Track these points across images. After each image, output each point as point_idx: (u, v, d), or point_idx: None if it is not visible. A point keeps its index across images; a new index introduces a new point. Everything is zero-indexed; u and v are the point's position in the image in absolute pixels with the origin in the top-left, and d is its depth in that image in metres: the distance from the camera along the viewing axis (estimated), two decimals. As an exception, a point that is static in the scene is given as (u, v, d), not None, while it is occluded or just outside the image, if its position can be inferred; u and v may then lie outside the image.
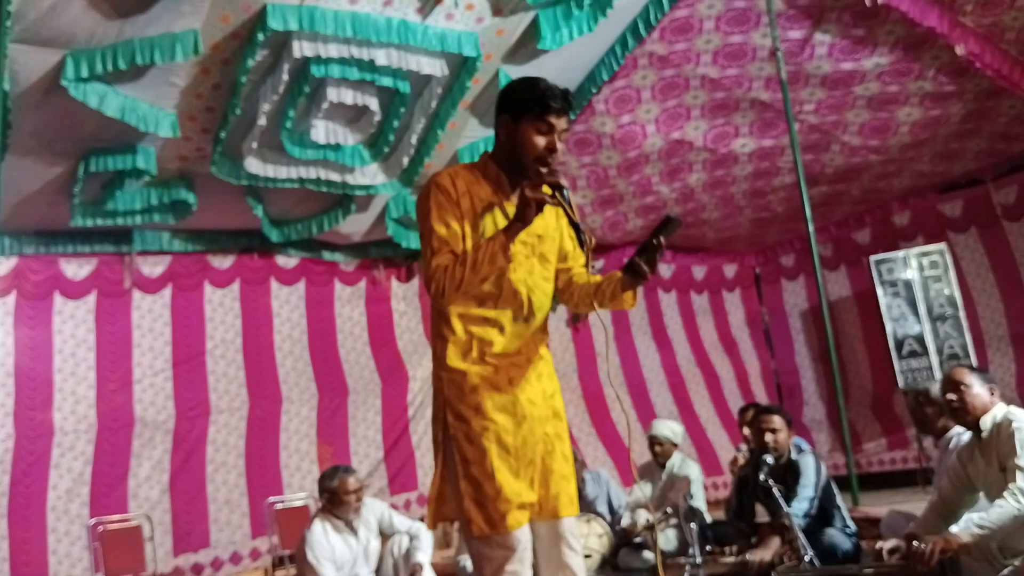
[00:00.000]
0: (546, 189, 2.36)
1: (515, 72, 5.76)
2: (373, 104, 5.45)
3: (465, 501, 2.37)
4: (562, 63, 5.79)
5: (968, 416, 3.45)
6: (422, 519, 7.24)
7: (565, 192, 2.37)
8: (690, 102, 6.81)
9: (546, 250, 2.54)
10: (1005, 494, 3.16)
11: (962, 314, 7.90)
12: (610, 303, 2.55)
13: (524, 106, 2.42)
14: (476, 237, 2.41)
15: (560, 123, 2.42)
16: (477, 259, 2.30)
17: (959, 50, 5.90)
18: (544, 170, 2.39)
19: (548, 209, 2.42)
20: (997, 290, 8.25)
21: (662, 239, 2.37)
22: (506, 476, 2.36)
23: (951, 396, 3.48)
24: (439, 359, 2.46)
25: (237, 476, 6.99)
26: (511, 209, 2.43)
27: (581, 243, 2.41)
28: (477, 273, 2.31)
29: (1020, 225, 8.03)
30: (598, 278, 2.60)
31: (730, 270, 10.07)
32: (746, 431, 5.97)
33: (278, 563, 6.69)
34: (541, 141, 2.41)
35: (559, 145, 2.43)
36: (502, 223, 2.43)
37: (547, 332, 2.59)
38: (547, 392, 2.52)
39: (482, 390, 2.40)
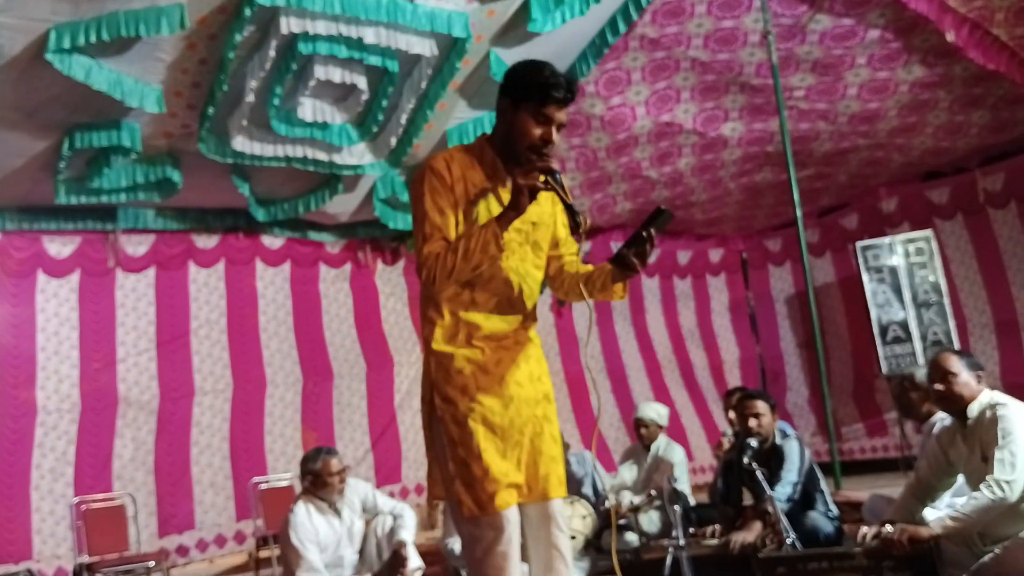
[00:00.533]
0: (540, 177, 2.33)
1: (505, 54, 5.72)
2: (361, 83, 5.40)
3: (455, 483, 2.37)
4: (553, 45, 5.76)
5: (955, 405, 3.43)
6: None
7: (558, 176, 2.35)
8: (680, 83, 6.79)
9: (540, 237, 2.54)
10: (982, 486, 3.16)
11: (946, 301, 7.96)
12: (600, 294, 2.55)
13: (525, 92, 2.39)
14: (469, 223, 2.39)
15: (559, 115, 2.39)
16: (470, 247, 2.29)
17: (949, 37, 5.89)
18: (536, 158, 2.37)
19: (543, 195, 2.41)
20: (981, 277, 8.30)
21: (653, 231, 2.36)
22: (493, 457, 2.36)
23: (938, 386, 3.46)
24: (427, 341, 2.46)
25: (222, 459, 6.99)
26: (505, 195, 2.42)
27: (576, 225, 2.38)
28: (469, 261, 2.30)
29: (1005, 212, 8.06)
30: (589, 268, 2.61)
31: (716, 255, 10.10)
32: (731, 415, 6.00)
33: (262, 544, 6.68)
34: (537, 131, 2.38)
35: (555, 136, 2.40)
36: (496, 209, 2.41)
37: (536, 317, 2.58)
38: (535, 374, 2.52)
39: (469, 372, 2.40)
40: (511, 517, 2.37)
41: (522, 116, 2.39)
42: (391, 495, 7.59)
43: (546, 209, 2.54)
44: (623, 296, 2.55)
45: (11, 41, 4.52)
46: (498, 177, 2.47)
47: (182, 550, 6.65)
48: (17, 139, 5.43)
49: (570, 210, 2.38)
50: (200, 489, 6.84)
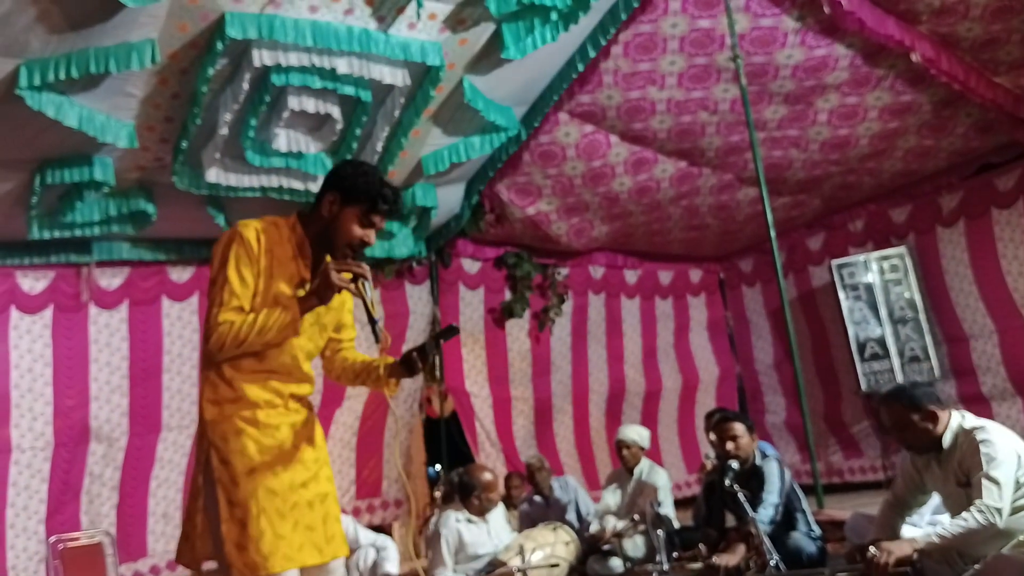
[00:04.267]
0: (347, 275, 2.41)
1: (479, 81, 5.76)
2: (335, 112, 5.40)
3: (227, 545, 2.37)
4: (525, 71, 5.80)
5: (925, 447, 3.44)
6: (382, 528, 7.26)
7: (367, 284, 2.43)
8: (656, 126, 6.86)
9: (328, 321, 2.63)
10: (973, 510, 3.17)
11: (922, 316, 8.02)
12: (372, 385, 2.68)
13: (356, 196, 2.49)
14: (267, 297, 2.43)
15: (381, 223, 2.53)
16: (267, 325, 2.35)
17: (915, 57, 5.99)
18: (352, 258, 2.47)
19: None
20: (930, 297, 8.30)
21: (440, 342, 2.48)
22: (272, 518, 2.38)
23: (899, 437, 3.48)
24: (205, 403, 2.50)
25: (175, 492, 6.99)
26: (306, 275, 2.50)
27: (376, 339, 2.45)
28: (263, 337, 2.37)
29: (951, 231, 8.09)
30: (365, 358, 2.71)
31: (695, 275, 10.14)
32: (712, 437, 6.01)
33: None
34: (359, 232, 2.49)
35: (373, 240, 2.53)
36: (293, 289, 2.48)
37: (312, 385, 2.63)
38: (312, 438, 2.57)
39: (248, 435, 2.43)
40: None
41: (348, 215, 2.49)
42: (371, 508, 7.62)
43: (338, 296, 2.58)
44: (393, 392, 2.67)
45: (-20, 78, 4.49)
46: (304, 257, 2.53)
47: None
48: (-12, 176, 5.38)
49: (372, 323, 2.44)
50: (154, 520, 6.86)
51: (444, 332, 2.58)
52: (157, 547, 6.83)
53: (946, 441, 3.38)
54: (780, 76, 6.40)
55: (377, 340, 2.45)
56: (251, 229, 2.48)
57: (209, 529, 2.45)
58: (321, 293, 2.39)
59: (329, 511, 2.53)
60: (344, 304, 2.70)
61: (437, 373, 2.42)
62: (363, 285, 2.42)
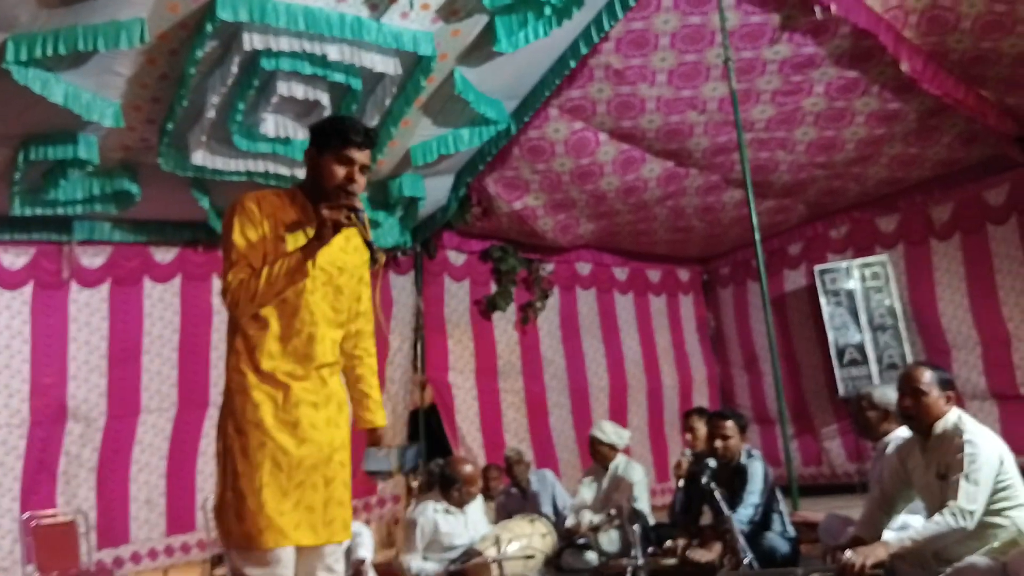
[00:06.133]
0: (339, 212, 2.48)
1: (470, 73, 5.75)
2: (324, 99, 5.38)
3: (228, 513, 2.43)
4: (516, 65, 5.80)
5: (921, 423, 3.44)
6: (367, 521, 7.26)
7: (361, 215, 2.51)
8: (645, 125, 6.88)
9: (343, 283, 2.66)
10: (945, 511, 3.19)
11: (902, 325, 8.10)
12: (355, 407, 2.84)
13: (327, 139, 2.57)
14: (277, 256, 2.49)
15: (360, 156, 2.57)
16: (273, 272, 2.42)
17: (904, 67, 6.02)
18: (343, 196, 2.52)
19: (351, 249, 2.66)
20: (912, 307, 8.34)
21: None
22: (273, 494, 2.42)
23: (907, 402, 3.45)
24: (228, 372, 2.54)
25: (158, 477, 6.94)
26: (312, 234, 2.54)
27: (374, 261, 2.55)
28: (272, 287, 2.42)
29: (947, 245, 8.14)
30: (365, 381, 2.83)
31: (683, 274, 10.21)
32: (688, 436, 6.05)
33: (217, 561, 6.60)
34: (341, 171, 2.55)
35: (359, 177, 2.57)
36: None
37: (338, 365, 2.68)
38: (333, 419, 2.59)
39: (266, 407, 2.47)
40: (281, 557, 2.43)
41: (326, 160, 2.56)
42: (368, 507, 7.63)
43: (353, 260, 2.69)
44: (360, 427, 2.84)
45: (-34, 51, 4.45)
46: (308, 219, 2.59)
47: (118, 561, 6.63)
48: (-29, 150, 5.33)
49: (369, 245, 2.53)
50: (136, 506, 6.79)
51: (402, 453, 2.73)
52: (140, 533, 6.77)
53: (936, 430, 3.41)
54: (768, 72, 6.42)
55: (374, 260, 2.54)
56: (251, 197, 2.58)
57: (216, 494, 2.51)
58: (319, 233, 2.46)
59: (333, 495, 2.55)
60: (362, 276, 2.75)
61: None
62: (356, 216, 2.49)
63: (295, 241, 2.54)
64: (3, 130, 5.26)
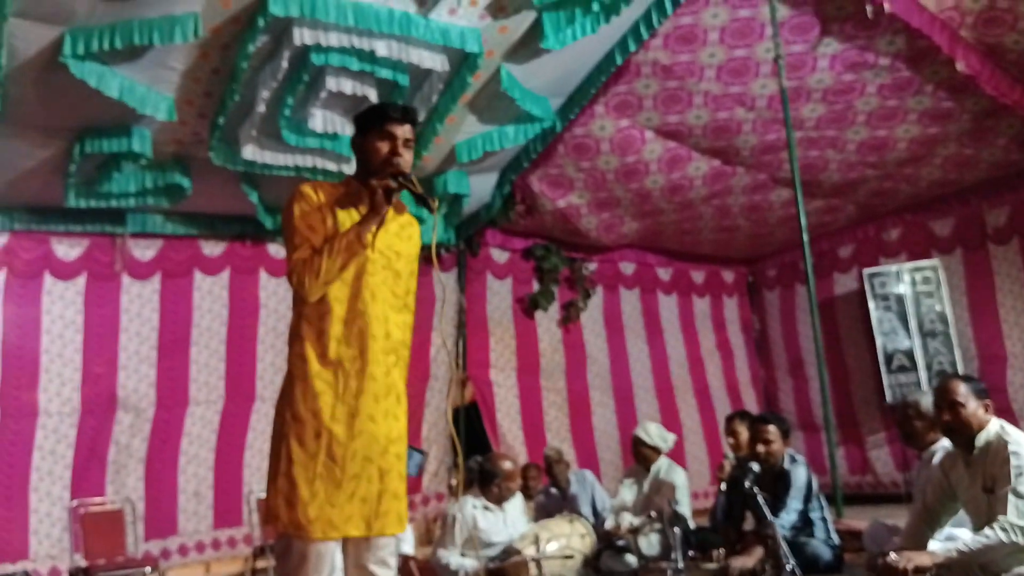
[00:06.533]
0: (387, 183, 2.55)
1: (516, 70, 5.75)
2: (372, 95, 5.42)
3: (278, 497, 2.44)
4: (563, 62, 5.78)
5: (961, 435, 3.39)
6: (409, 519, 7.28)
7: (409, 176, 2.59)
8: (692, 121, 6.81)
9: (401, 268, 2.69)
10: (995, 526, 3.12)
11: (952, 331, 7.92)
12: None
13: (367, 121, 2.67)
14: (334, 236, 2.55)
15: (401, 131, 2.63)
16: (334, 247, 2.48)
17: (959, 66, 5.89)
18: (389, 169, 2.58)
19: (404, 235, 2.69)
20: (967, 313, 8.20)
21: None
22: (325, 485, 2.43)
23: (945, 416, 3.40)
24: (290, 359, 2.57)
25: (206, 469, 7.02)
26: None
27: (430, 210, 2.58)
28: (335, 261, 2.47)
29: (1005, 249, 7.98)
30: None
31: (728, 276, 10.11)
32: (731, 440, 5.97)
33: (259, 553, 6.68)
34: (384, 146, 2.61)
35: (403, 151, 2.62)
36: None
37: (403, 360, 2.68)
38: (392, 412, 2.59)
39: (325, 396, 2.49)
40: (323, 550, 2.44)
41: (369, 139, 2.64)
42: (412, 505, 7.66)
43: (408, 248, 2.73)
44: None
45: (26, 44, 4.56)
46: (363, 204, 2.63)
47: (165, 553, 6.71)
48: (29, 141, 5.46)
49: (422, 198, 2.59)
50: (184, 497, 6.87)
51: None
52: (188, 526, 6.84)
53: (979, 442, 3.34)
54: (819, 68, 6.32)
55: (429, 209, 2.58)
56: (308, 185, 2.66)
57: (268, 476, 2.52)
58: (373, 203, 2.54)
59: (387, 487, 2.54)
60: (415, 260, 2.77)
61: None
62: (405, 178, 2.56)
63: (351, 220, 2.59)
64: (59, 123, 5.38)
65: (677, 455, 8.72)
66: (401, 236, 2.70)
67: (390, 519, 2.54)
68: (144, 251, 6.92)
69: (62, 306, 6.59)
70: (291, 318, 2.63)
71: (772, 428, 4.83)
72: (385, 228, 2.59)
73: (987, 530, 3.15)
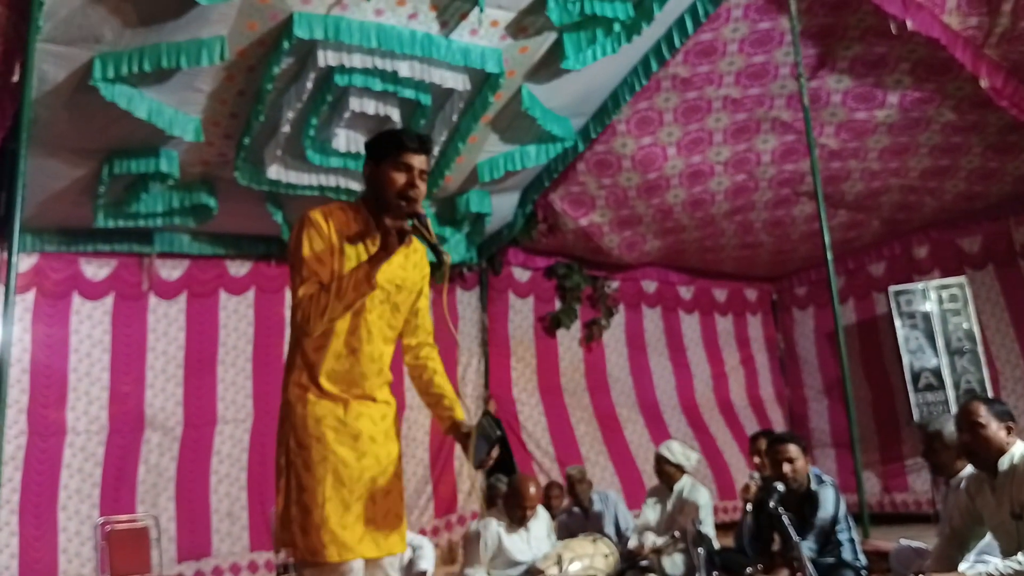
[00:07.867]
0: (407, 222, 2.48)
1: (538, 89, 5.78)
2: (395, 115, 5.48)
3: (293, 526, 2.45)
4: (584, 82, 5.82)
5: (983, 458, 3.33)
6: (430, 538, 7.27)
7: (424, 219, 2.50)
8: (712, 125, 6.81)
9: (400, 301, 2.67)
10: None
11: (980, 349, 7.82)
12: (434, 411, 2.82)
13: (383, 149, 2.58)
14: (343, 271, 2.51)
15: (417, 162, 2.56)
16: (342, 286, 2.42)
17: (983, 83, 5.85)
18: (405, 204, 2.52)
19: (409, 264, 2.65)
20: (1012, 329, 8.12)
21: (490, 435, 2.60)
22: (336, 508, 2.44)
23: (965, 437, 3.36)
24: (288, 387, 2.56)
25: (239, 489, 7.02)
26: (376, 246, 2.55)
27: (440, 262, 2.51)
28: (342, 300, 2.42)
29: None
30: (444, 388, 2.81)
31: (751, 294, 10.06)
32: (756, 459, 5.91)
33: (283, 571, 6.68)
34: (401, 178, 2.54)
35: (419, 183, 2.56)
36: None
37: (390, 379, 2.69)
38: (390, 433, 2.62)
39: (327, 421, 2.49)
40: (353, 567, 2.44)
41: (384, 169, 2.55)
42: (449, 525, 7.63)
43: (412, 277, 2.69)
44: (444, 428, 2.80)
45: (56, 68, 4.66)
46: (371, 232, 2.59)
47: (199, 575, 6.67)
48: (59, 163, 5.56)
49: (435, 249, 2.50)
50: (218, 518, 6.86)
51: (489, 429, 2.64)
52: (222, 547, 6.81)
53: (1003, 465, 3.27)
54: (838, 69, 6.31)
55: (441, 264, 2.51)
56: (319, 212, 2.60)
57: (286, 511, 2.53)
58: (384, 243, 2.47)
59: (391, 507, 2.57)
60: (422, 290, 2.77)
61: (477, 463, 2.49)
62: (419, 221, 2.49)
63: (358, 256, 2.56)
64: (88, 145, 5.48)
65: (715, 471, 8.69)
66: (405, 266, 2.66)
67: (395, 539, 2.57)
68: (171, 271, 7.01)
69: (90, 325, 6.68)
70: (289, 346, 2.63)
71: (792, 447, 4.76)
72: (388, 260, 2.53)
73: (1020, 555, 3.10)
